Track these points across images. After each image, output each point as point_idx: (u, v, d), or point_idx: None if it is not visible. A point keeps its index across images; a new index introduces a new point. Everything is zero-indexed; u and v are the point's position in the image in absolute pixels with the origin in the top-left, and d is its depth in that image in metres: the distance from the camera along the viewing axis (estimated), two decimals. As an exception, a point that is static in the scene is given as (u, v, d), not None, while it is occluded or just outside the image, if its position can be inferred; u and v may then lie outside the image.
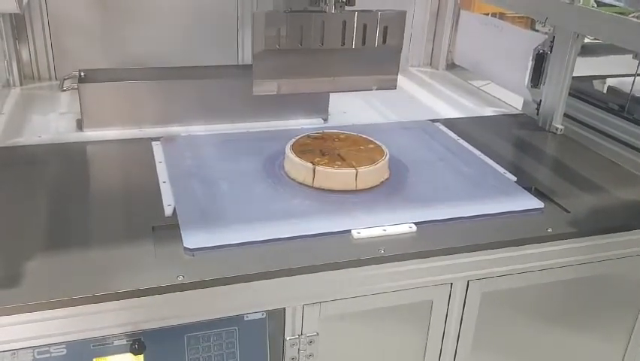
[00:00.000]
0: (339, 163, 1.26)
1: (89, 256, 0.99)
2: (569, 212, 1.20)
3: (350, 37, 1.35)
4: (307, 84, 1.41)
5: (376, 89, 1.45)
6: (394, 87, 1.45)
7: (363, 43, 1.36)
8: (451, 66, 2.15)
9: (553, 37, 1.60)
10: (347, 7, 1.32)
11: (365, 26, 1.35)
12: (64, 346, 0.92)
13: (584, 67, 2.09)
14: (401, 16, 1.39)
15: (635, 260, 1.22)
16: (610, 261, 1.20)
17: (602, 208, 1.24)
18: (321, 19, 1.33)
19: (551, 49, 1.61)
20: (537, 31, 2.21)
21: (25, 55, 1.78)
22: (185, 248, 1.00)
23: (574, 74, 1.63)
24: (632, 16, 1.51)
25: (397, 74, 1.45)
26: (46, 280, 0.92)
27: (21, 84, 1.77)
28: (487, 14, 2.38)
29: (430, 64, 2.19)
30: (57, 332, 0.90)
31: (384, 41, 1.37)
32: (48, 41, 1.77)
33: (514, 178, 1.33)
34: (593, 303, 1.26)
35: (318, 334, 1.06)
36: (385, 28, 1.36)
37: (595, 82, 2.04)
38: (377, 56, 1.41)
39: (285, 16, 1.31)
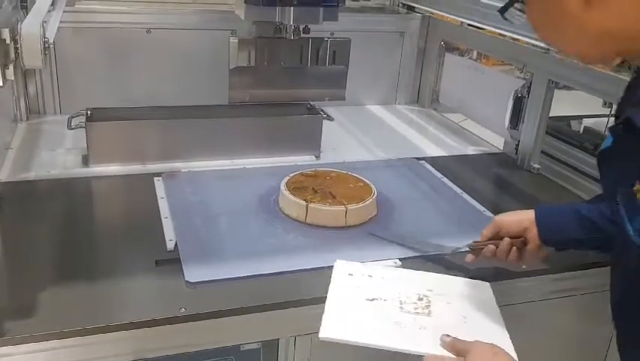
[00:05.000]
0: (330, 201, 1.35)
1: (96, 289, 1.07)
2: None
3: (306, 58, 1.71)
4: (272, 95, 1.73)
5: (328, 100, 1.79)
6: (343, 99, 1.79)
7: (317, 63, 1.72)
8: (437, 103, 2.26)
9: (531, 82, 1.72)
10: (303, 35, 1.62)
11: (318, 50, 1.71)
12: (73, 373, 0.99)
13: (569, 101, 2.20)
14: (347, 42, 1.73)
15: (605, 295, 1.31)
16: (581, 296, 1.29)
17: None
18: (282, 43, 1.66)
19: (528, 93, 1.73)
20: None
21: (32, 91, 1.87)
22: (187, 282, 1.08)
23: (553, 114, 1.75)
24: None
25: (345, 89, 1.77)
26: (56, 312, 0.99)
27: (27, 119, 1.85)
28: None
29: (417, 102, 2.30)
30: (68, 360, 0.97)
31: (334, 62, 1.73)
32: (55, 78, 1.86)
33: (493, 216, 1.42)
34: (564, 331, 1.34)
35: (309, 363, 1.14)
36: (334, 52, 1.72)
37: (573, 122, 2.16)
38: (328, 74, 1.75)
39: (255, 41, 1.65)
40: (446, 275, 1.14)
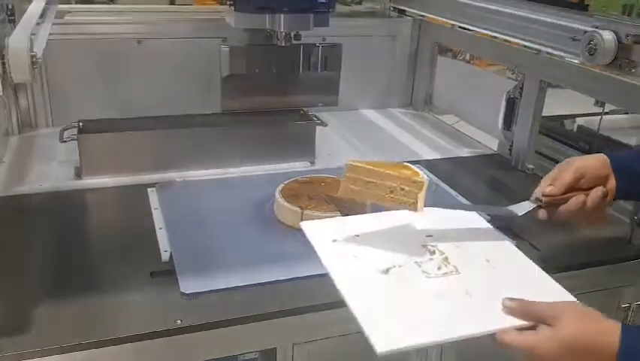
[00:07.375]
0: (325, 207, 1.35)
1: (91, 302, 1.06)
2: (539, 250, 1.29)
3: (297, 65, 1.71)
4: (264, 102, 1.74)
5: (321, 106, 1.80)
6: (336, 105, 1.82)
7: (309, 69, 1.73)
8: (430, 106, 2.26)
9: (522, 83, 1.72)
10: (294, 42, 1.61)
11: (309, 56, 1.71)
12: (70, 388, 0.98)
13: (566, 98, 2.19)
14: (338, 47, 1.73)
15: (600, 295, 1.31)
16: (577, 295, 1.28)
17: (570, 246, 1.34)
18: (274, 50, 1.66)
19: (521, 94, 1.73)
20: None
21: (23, 104, 1.86)
22: (182, 293, 1.07)
23: (546, 114, 1.75)
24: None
25: (337, 94, 1.79)
26: (51, 327, 0.98)
27: (19, 132, 1.84)
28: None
29: (410, 105, 2.30)
30: (64, 376, 0.96)
31: (326, 68, 1.73)
32: (46, 91, 1.85)
33: (488, 218, 1.41)
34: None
35: (307, 372, 1.13)
36: (326, 58, 1.73)
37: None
38: (320, 80, 1.76)
39: (246, 49, 1.66)
40: (433, 208, 0.92)
